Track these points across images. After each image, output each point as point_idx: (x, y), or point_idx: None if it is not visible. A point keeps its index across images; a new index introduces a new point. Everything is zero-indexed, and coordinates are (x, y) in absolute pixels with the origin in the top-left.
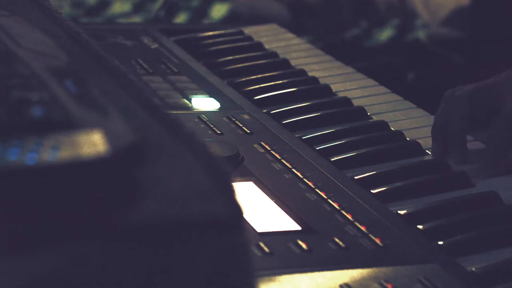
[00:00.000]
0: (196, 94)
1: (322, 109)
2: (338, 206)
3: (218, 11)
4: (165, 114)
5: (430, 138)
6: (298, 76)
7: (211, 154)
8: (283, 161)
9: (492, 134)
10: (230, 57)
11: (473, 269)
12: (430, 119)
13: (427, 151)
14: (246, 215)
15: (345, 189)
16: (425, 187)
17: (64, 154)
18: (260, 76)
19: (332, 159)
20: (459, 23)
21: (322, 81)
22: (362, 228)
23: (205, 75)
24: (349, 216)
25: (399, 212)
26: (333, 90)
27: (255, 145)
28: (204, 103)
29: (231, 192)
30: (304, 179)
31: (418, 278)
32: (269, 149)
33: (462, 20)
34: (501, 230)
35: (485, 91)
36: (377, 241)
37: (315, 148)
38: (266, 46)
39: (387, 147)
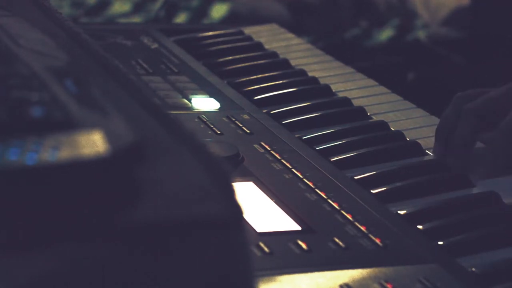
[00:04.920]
0: (196, 94)
1: (322, 109)
2: (338, 206)
3: (218, 11)
4: (165, 114)
5: (430, 138)
6: (298, 76)
7: (211, 154)
8: (283, 161)
9: (494, 137)
10: (230, 57)
11: (473, 269)
12: (430, 119)
13: (427, 151)
14: (246, 215)
15: (345, 189)
16: (425, 187)
17: (64, 154)
18: (260, 76)
19: (332, 159)
20: (459, 23)
21: (322, 81)
22: (362, 228)
23: (205, 75)
24: (349, 216)
25: (399, 212)
26: (333, 90)
27: (255, 145)
28: (204, 103)
29: (231, 192)
30: (304, 179)
31: (418, 278)
32: (269, 149)
33: (462, 20)
34: (501, 230)
35: (492, 105)
36: (377, 241)
37: (315, 148)
38: (266, 46)
39: (387, 147)
